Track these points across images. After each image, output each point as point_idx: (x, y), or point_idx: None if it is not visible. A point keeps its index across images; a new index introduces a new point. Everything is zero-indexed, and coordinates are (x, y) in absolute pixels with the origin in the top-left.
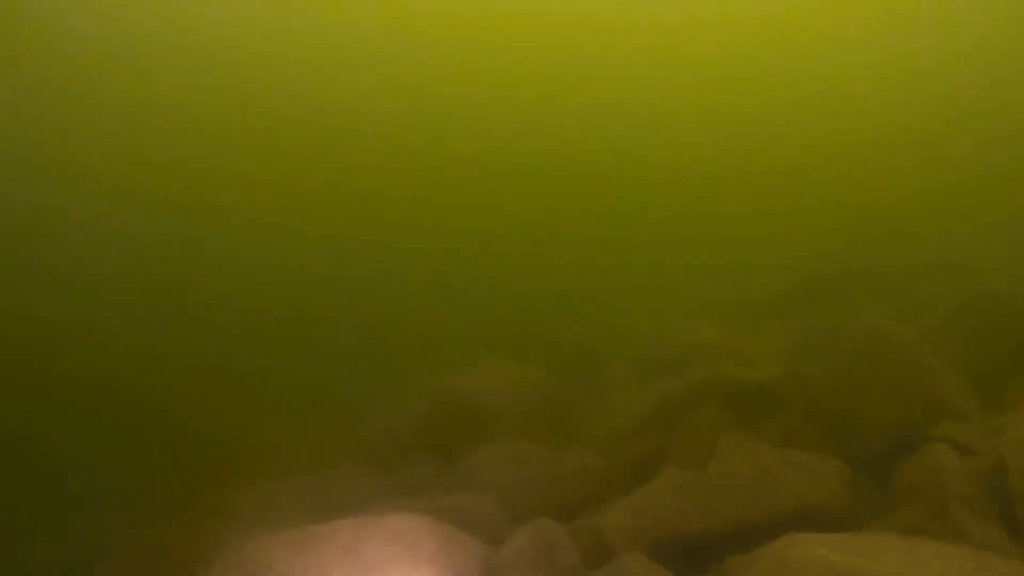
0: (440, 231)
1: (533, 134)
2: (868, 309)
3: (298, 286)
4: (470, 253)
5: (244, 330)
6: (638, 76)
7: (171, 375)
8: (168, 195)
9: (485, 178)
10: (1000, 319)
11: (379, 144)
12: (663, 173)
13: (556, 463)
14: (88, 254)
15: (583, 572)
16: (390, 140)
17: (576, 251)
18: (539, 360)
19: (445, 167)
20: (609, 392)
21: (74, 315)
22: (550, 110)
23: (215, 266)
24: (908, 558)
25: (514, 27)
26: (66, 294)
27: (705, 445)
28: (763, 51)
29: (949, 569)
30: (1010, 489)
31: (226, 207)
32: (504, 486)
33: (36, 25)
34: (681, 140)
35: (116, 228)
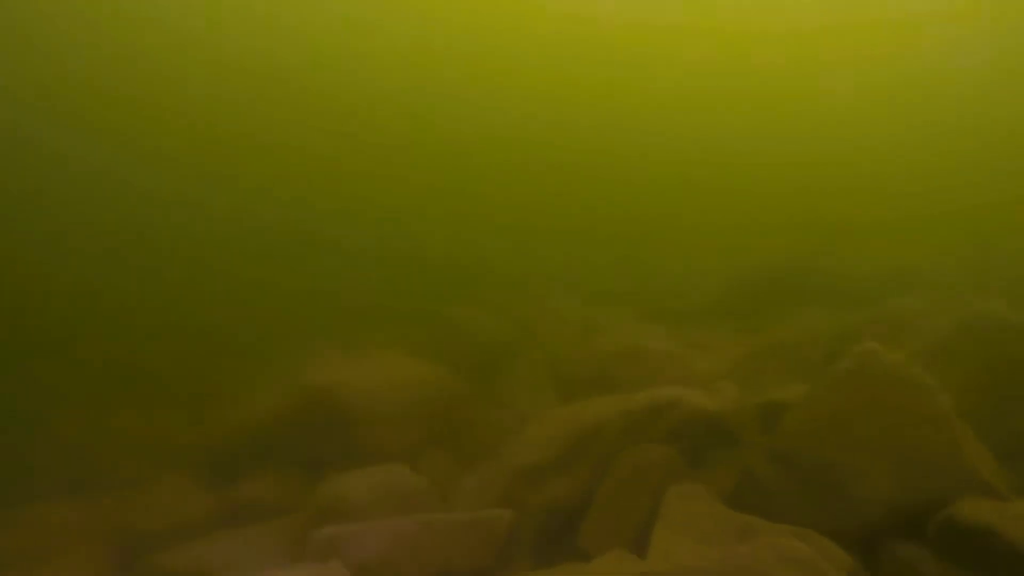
0: (339, 194)
1: (483, 113)
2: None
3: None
4: (370, 220)
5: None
6: (601, 74)
7: None
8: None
9: (414, 150)
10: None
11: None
12: (611, 166)
13: (445, 502)
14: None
15: None
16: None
17: (500, 236)
18: (438, 357)
19: (362, 135)
20: (525, 406)
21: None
22: (503, 94)
23: None
24: None
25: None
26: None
27: (646, 499)
28: (735, 60)
29: None
30: None
31: None
32: (365, 546)
33: None
34: (636, 136)
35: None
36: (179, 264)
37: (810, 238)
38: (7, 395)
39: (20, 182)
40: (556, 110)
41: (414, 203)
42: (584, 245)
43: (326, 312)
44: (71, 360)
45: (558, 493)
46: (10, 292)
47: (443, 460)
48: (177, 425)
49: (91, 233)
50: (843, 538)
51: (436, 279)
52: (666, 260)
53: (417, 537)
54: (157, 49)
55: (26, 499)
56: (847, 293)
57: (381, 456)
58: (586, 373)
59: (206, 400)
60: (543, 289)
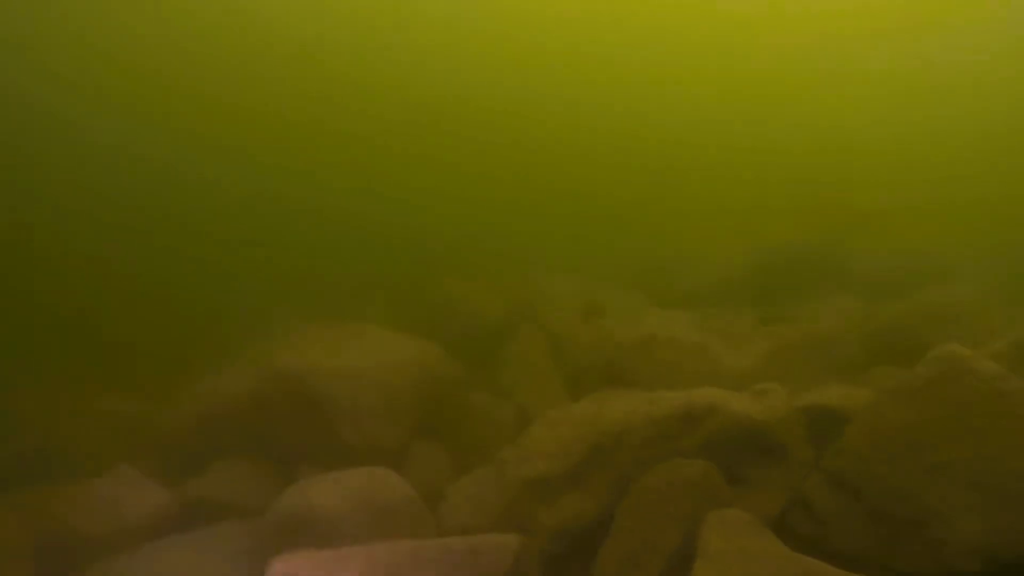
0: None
1: (482, 85)
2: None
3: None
4: (354, 188)
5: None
6: (612, 46)
7: None
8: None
9: (402, 118)
10: None
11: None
12: (619, 142)
13: (436, 517)
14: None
15: None
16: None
17: (496, 210)
18: (429, 335)
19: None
20: (527, 397)
21: None
22: (504, 64)
23: None
24: None
25: None
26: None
27: (677, 526)
28: (745, 42)
29: None
30: None
31: None
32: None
33: None
34: (647, 112)
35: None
36: (149, 232)
37: (834, 221)
38: None
39: None
40: (560, 81)
41: (403, 172)
42: (587, 223)
43: (306, 285)
44: (28, 330)
45: (570, 512)
46: None
47: (434, 461)
48: (135, 407)
49: (58, 197)
50: None
51: (427, 253)
52: (678, 241)
53: (400, 569)
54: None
55: None
56: (876, 280)
57: (361, 452)
58: (594, 363)
59: (168, 381)
60: (542, 268)
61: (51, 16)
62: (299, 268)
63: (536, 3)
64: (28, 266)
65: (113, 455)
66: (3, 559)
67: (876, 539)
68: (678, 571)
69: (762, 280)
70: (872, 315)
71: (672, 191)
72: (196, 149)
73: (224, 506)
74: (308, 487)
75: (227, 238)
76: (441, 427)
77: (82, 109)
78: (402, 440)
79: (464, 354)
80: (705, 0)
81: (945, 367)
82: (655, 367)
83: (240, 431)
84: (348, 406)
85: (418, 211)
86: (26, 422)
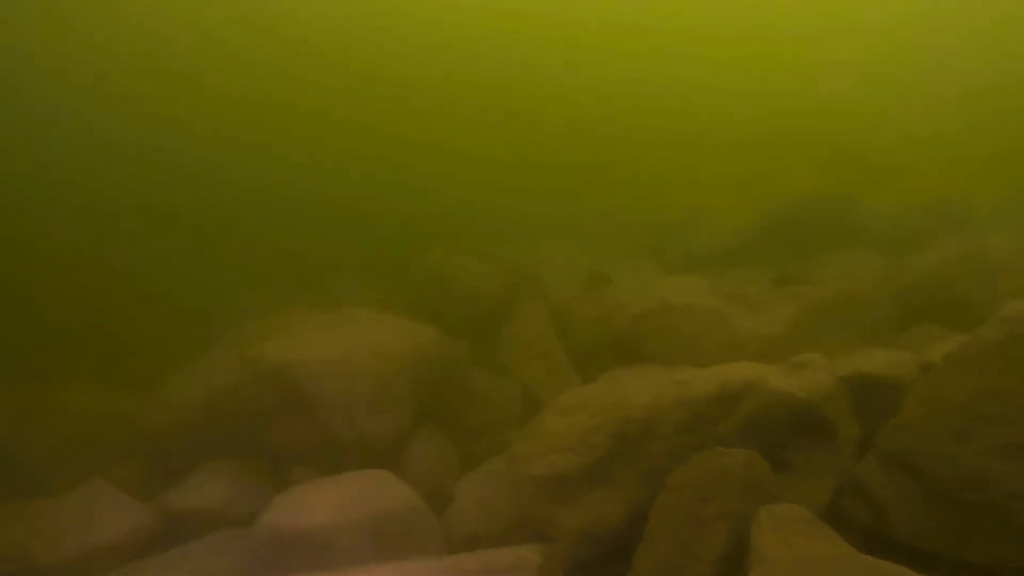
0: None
1: (470, 54)
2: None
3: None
4: (344, 165)
5: None
6: (601, 16)
7: None
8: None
9: (385, 90)
10: None
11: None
12: (614, 97)
13: (444, 524)
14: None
15: None
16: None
17: (489, 179)
18: (424, 314)
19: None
20: (536, 378)
21: None
22: (495, 33)
23: None
24: None
25: None
26: None
27: (721, 527)
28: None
29: None
30: None
31: None
32: None
33: None
34: (641, 64)
35: None
36: (123, 218)
37: (848, 175)
38: None
39: None
40: (555, 45)
41: (391, 147)
42: (586, 188)
43: (293, 269)
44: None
45: (595, 514)
46: None
47: (437, 454)
48: (110, 406)
49: (24, 185)
50: None
51: (418, 229)
52: (684, 203)
53: None
54: None
55: None
56: (895, 235)
57: (357, 450)
58: (604, 337)
59: (147, 375)
60: (541, 237)
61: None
62: (285, 252)
63: None
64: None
65: (86, 460)
66: None
67: (945, 528)
68: None
69: (775, 239)
70: (901, 270)
71: (675, 151)
72: (175, 134)
73: (210, 516)
74: (300, 497)
75: (209, 223)
76: (442, 414)
77: (54, 94)
78: (401, 433)
79: (462, 333)
80: None
81: (1018, 328)
82: (672, 339)
83: (225, 430)
84: (340, 400)
85: (407, 185)
86: None
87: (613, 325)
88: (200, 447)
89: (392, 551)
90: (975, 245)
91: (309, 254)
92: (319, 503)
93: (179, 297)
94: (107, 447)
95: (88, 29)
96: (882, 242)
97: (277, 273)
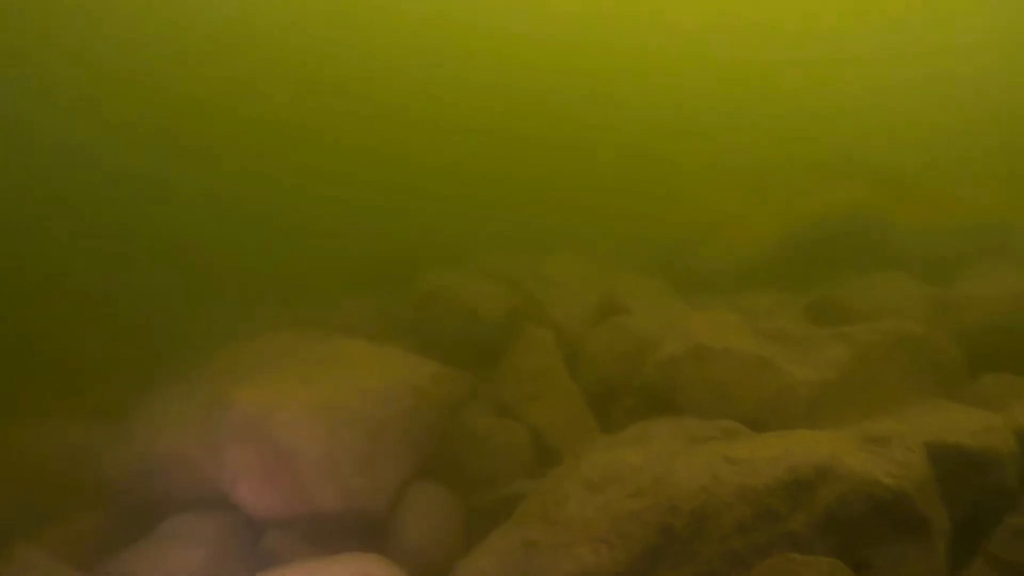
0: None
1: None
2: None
3: None
4: (328, 177)
5: None
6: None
7: None
8: None
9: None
10: None
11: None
12: (617, 95)
13: None
14: None
15: None
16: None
17: (485, 190)
18: (416, 341)
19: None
20: (544, 422)
21: None
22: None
23: None
24: None
25: None
26: None
27: None
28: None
29: None
30: None
31: None
32: None
33: None
34: (650, 84)
35: None
36: (94, 230)
37: (871, 191)
38: None
39: None
40: (561, 54)
41: (380, 160)
42: (594, 198)
43: (276, 286)
44: None
45: None
46: None
47: (438, 518)
48: (62, 442)
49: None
50: None
51: (409, 247)
52: (700, 218)
53: None
54: None
55: None
56: (928, 255)
57: (342, 520)
58: (625, 377)
59: (104, 413)
60: (543, 252)
61: None
62: (269, 270)
63: None
64: None
65: (37, 509)
66: None
67: None
68: None
69: (798, 259)
70: (956, 303)
71: (688, 163)
72: (153, 150)
73: None
74: None
75: (187, 240)
76: (442, 462)
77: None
78: (394, 494)
79: (461, 361)
80: None
81: None
82: (710, 389)
83: (194, 479)
84: (322, 455)
85: (402, 199)
86: None
87: (636, 366)
88: (166, 495)
89: None
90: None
91: (294, 272)
92: None
93: (152, 316)
94: (63, 491)
95: (70, 42)
96: (916, 265)
97: (260, 292)
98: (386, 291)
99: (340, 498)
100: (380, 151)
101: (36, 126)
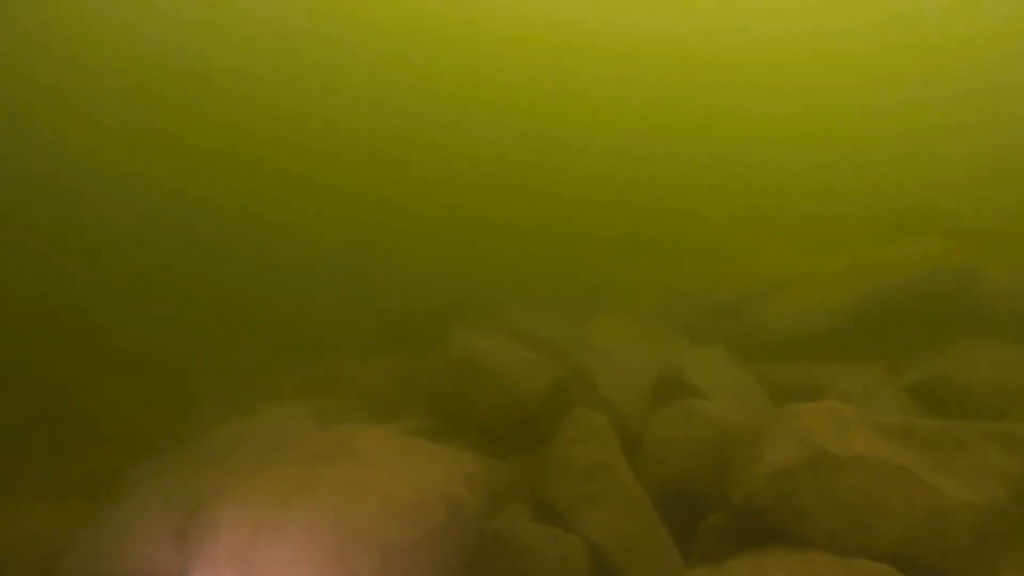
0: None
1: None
2: None
3: None
4: (343, 238)
5: None
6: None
7: None
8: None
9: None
10: None
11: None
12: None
13: None
14: None
15: None
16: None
17: (518, 244)
18: (446, 411)
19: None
20: (605, 537)
21: None
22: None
23: None
24: None
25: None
26: None
27: None
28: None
29: None
30: None
31: None
32: None
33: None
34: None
35: None
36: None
37: (954, 242)
38: None
39: None
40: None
41: (400, 218)
42: (638, 255)
43: (289, 345)
44: None
45: None
46: None
47: None
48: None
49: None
50: None
51: (439, 300)
52: (754, 270)
53: None
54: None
55: None
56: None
57: None
58: (699, 477)
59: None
60: (585, 312)
61: None
62: (281, 328)
63: (531, 50)
64: None
65: None
66: None
67: None
68: None
69: (882, 324)
70: None
71: (742, 215)
72: (166, 195)
73: None
74: None
75: (196, 294)
76: None
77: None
78: None
79: (495, 447)
80: None
81: None
82: (837, 510)
83: None
84: None
85: (430, 252)
86: None
87: (719, 467)
88: None
89: None
90: None
91: (308, 330)
92: None
93: (152, 375)
94: None
95: (84, 98)
96: (1014, 326)
97: (269, 347)
98: (410, 350)
99: None
100: (409, 198)
101: None
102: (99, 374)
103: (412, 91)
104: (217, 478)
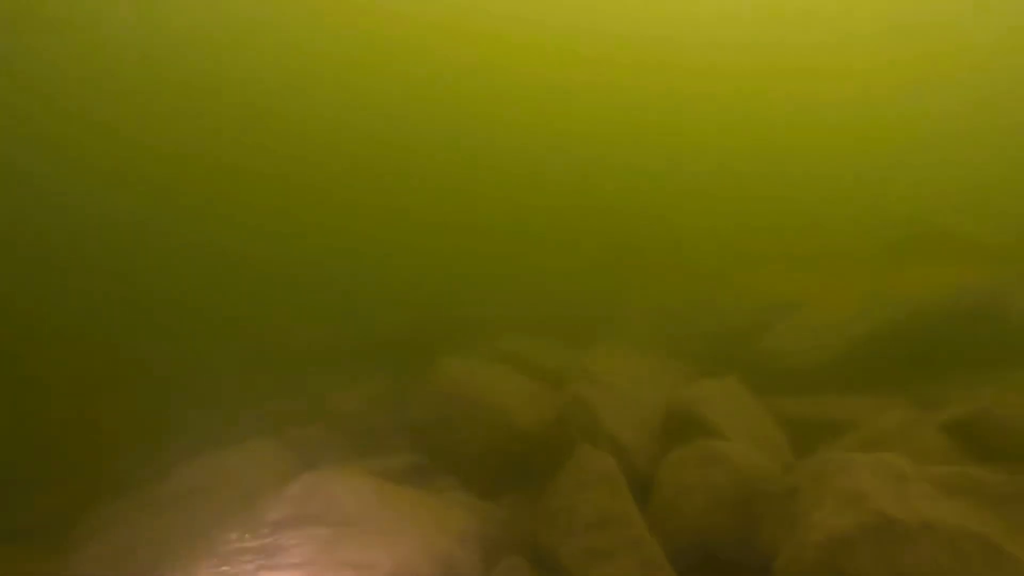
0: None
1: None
2: None
3: None
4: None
5: None
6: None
7: None
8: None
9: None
10: None
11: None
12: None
13: None
14: None
15: None
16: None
17: (529, 259)
18: (433, 446)
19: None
20: None
21: None
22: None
23: None
24: None
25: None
26: None
27: None
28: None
29: None
30: None
31: None
32: None
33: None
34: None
35: None
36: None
37: (976, 265)
38: None
39: None
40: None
41: (392, 221)
42: (640, 275)
43: (270, 364)
44: None
45: None
46: None
47: None
48: None
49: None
50: None
51: (427, 322)
52: (759, 297)
53: None
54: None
55: None
56: None
57: None
58: (725, 530)
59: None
60: (581, 337)
61: None
62: (253, 349)
63: (526, 61)
64: None
65: None
66: None
67: None
68: None
69: (902, 352)
70: None
71: (750, 228)
72: (164, 207)
73: None
74: None
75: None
76: None
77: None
78: None
79: (487, 487)
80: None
81: None
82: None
83: None
84: None
85: (416, 267)
86: None
87: (747, 519)
88: None
89: None
90: None
91: (289, 352)
92: None
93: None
94: None
95: (84, 110)
96: None
97: (246, 374)
98: (393, 375)
99: None
100: (390, 208)
101: None
102: (59, 397)
103: (400, 102)
104: (182, 528)
